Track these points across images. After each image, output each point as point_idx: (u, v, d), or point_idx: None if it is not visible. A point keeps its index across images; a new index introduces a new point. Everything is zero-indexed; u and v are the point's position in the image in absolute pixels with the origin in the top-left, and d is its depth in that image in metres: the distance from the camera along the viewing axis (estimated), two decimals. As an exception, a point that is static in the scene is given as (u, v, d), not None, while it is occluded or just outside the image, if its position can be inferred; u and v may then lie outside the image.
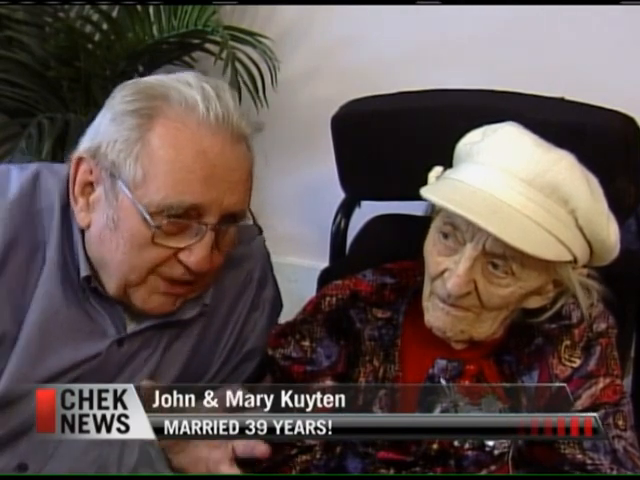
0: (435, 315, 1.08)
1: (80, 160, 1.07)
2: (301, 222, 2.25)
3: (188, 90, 1.04)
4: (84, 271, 1.08)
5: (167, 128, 1.03)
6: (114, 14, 1.99)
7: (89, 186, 1.07)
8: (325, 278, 1.41)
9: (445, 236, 1.06)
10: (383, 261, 1.24)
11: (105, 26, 1.98)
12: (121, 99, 1.06)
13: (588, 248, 1.07)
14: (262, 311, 1.25)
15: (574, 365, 1.11)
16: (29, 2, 1.95)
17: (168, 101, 1.04)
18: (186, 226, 1.04)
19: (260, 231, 1.12)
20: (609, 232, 1.06)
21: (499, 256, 1.03)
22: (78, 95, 1.98)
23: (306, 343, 1.17)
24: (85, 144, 1.08)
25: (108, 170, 1.04)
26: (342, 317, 1.17)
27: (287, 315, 1.24)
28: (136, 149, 1.02)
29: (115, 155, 1.03)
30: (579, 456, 1.07)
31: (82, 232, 1.10)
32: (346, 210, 1.63)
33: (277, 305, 1.29)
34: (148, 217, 1.02)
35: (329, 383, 1.15)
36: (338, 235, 1.64)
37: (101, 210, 1.06)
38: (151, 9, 1.96)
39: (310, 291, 1.32)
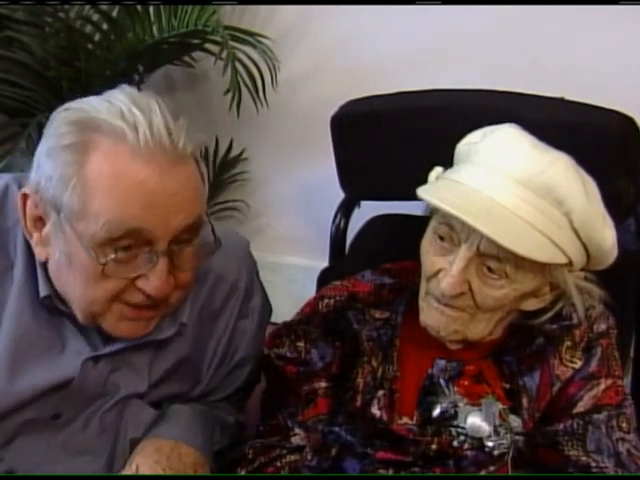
0: (429, 314, 1.08)
1: (25, 196, 1.03)
2: (301, 222, 2.25)
3: (116, 120, 0.99)
4: (43, 291, 1.06)
5: (100, 162, 0.98)
6: (114, 14, 1.99)
7: (39, 220, 1.03)
8: (325, 278, 1.41)
9: (440, 236, 1.06)
10: (382, 261, 1.24)
11: (105, 26, 1.99)
12: (55, 131, 1.01)
13: (584, 251, 1.06)
14: (251, 319, 1.24)
15: (575, 366, 1.10)
16: (29, 2, 1.95)
17: (99, 132, 0.99)
18: (136, 255, 1.00)
19: (219, 244, 1.06)
20: (604, 235, 1.05)
21: (493, 257, 1.02)
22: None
23: (301, 344, 1.17)
24: (30, 176, 1.04)
25: (52, 204, 1.00)
26: (339, 319, 1.17)
27: (287, 315, 1.24)
28: (72, 182, 0.98)
29: (54, 190, 0.99)
30: (583, 458, 1.06)
31: None
32: (346, 210, 1.63)
33: (266, 311, 1.28)
34: (93, 254, 0.98)
35: (323, 384, 1.15)
36: (338, 235, 1.63)
37: (54, 245, 1.03)
38: (151, 9, 1.96)
39: (310, 291, 1.31)
